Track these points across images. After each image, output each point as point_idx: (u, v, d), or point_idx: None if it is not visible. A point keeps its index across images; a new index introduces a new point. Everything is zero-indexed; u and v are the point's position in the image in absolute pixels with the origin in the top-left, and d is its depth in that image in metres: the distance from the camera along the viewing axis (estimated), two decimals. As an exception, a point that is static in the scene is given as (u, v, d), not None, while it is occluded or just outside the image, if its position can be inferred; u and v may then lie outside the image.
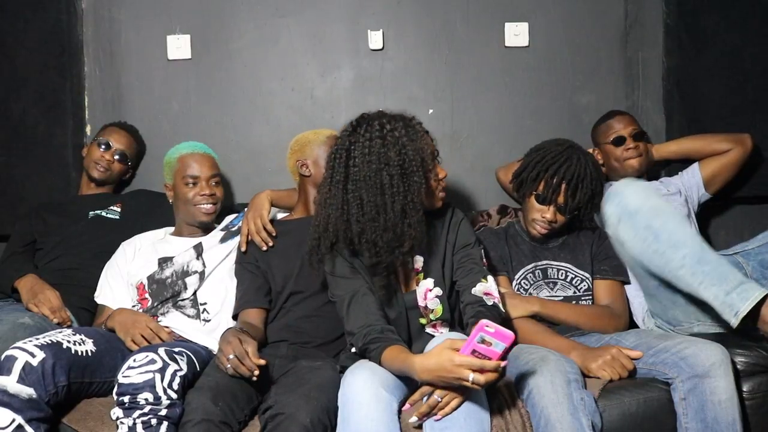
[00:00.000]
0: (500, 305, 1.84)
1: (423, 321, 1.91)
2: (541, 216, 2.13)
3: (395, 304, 1.90)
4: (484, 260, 1.94)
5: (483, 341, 1.52)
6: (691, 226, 1.88)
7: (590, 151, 2.52)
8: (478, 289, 1.85)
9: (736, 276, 1.77)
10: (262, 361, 1.79)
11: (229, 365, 1.78)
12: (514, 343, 1.54)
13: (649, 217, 1.85)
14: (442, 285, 1.91)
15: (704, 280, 1.78)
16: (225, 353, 1.80)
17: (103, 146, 2.59)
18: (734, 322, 1.74)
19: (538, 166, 2.14)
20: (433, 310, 1.90)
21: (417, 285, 1.92)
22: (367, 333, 1.77)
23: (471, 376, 1.51)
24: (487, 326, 1.52)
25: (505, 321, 1.89)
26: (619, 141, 2.46)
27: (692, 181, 2.50)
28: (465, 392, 1.61)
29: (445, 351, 1.56)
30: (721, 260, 1.80)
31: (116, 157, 2.61)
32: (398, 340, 1.76)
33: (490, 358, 1.53)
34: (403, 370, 1.66)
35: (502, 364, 1.53)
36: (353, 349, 1.82)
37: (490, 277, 1.88)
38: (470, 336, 1.54)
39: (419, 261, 1.92)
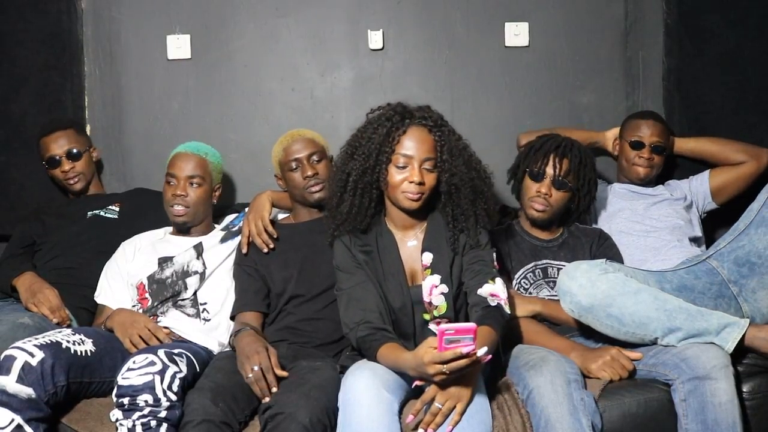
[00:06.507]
0: (505, 306, 1.84)
1: (426, 316, 1.91)
2: (536, 191, 2.17)
3: (399, 293, 1.90)
4: (495, 263, 1.93)
5: (450, 342, 1.54)
6: (647, 292, 1.88)
7: (614, 140, 2.56)
8: (484, 290, 1.84)
9: (711, 323, 1.83)
10: (285, 373, 1.85)
11: (251, 375, 1.82)
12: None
13: (604, 306, 1.87)
14: (449, 283, 1.91)
15: (682, 339, 1.85)
16: (250, 362, 1.83)
17: (54, 165, 2.52)
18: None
19: (526, 152, 2.26)
20: (437, 306, 1.90)
21: (423, 280, 1.92)
22: (363, 328, 1.80)
23: (443, 369, 1.55)
24: (446, 330, 1.54)
25: (509, 323, 1.89)
26: (637, 145, 2.46)
27: (700, 189, 2.49)
28: (465, 397, 1.62)
29: (421, 349, 1.59)
30: (690, 314, 1.84)
31: (71, 159, 2.53)
32: (393, 338, 1.78)
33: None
34: (398, 367, 1.70)
35: (479, 353, 1.54)
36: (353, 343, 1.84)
37: (498, 279, 1.87)
38: (438, 344, 1.55)
39: (428, 257, 1.93)
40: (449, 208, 1.93)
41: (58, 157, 2.52)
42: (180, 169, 2.26)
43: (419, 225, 1.96)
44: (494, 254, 1.94)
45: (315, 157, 2.21)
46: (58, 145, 2.52)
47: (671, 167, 2.63)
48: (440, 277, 1.90)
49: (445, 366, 1.54)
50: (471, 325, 1.55)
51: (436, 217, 1.96)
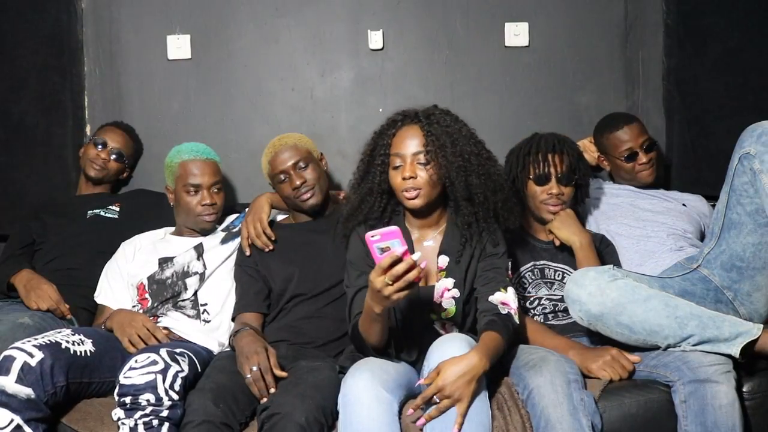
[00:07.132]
0: (515, 316, 1.82)
1: (433, 317, 1.90)
2: (547, 194, 2.16)
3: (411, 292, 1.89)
4: (509, 272, 1.93)
5: (382, 251, 1.57)
6: (657, 299, 1.85)
7: (596, 155, 2.51)
8: (496, 298, 1.83)
9: (722, 330, 1.80)
10: (284, 374, 1.85)
11: (249, 376, 1.82)
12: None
13: (614, 315, 1.85)
14: (462, 288, 1.90)
15: (694, 345, 1.82)
16: (249, 363, 1.84)
17: (99, 145, 2.59)
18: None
19: (517, 160, 2.22)
20: (446, 309, 1.89)
21: (437, 282, 1.91)
22: (357, 317, 1.81)
23: (384, 279, 1.57)
24: (372, 236, 1.57)
25: (517, 333, 1.88)
26: (632, 157, 2.39)
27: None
28: (465, 397, 1.61)
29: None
30: (702, 320, 1.82)
31: (113, 156, 2.61)
32: None
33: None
34: (368, 313, 1.70)
35: (414, 257, 1.57)
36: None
37: (510, 288, 1.86)
38: (372, 255, 1.59)
39: (444, 260, 1.92)
40: (451, 205, 1.93)
41: (104, 145, 2.60)
42: (202, 178, 2.27)
43: (437, 226, 1.96)
44: (509, 263, 1.94)
45: (301, 164, 2.20)
46: (116, 139, 2.63)
47: (667, 167, 2.63)
48: (454, 281, 1.90)
49: (386, 276, 1.56)
50: (393, 227, 1.59)
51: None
